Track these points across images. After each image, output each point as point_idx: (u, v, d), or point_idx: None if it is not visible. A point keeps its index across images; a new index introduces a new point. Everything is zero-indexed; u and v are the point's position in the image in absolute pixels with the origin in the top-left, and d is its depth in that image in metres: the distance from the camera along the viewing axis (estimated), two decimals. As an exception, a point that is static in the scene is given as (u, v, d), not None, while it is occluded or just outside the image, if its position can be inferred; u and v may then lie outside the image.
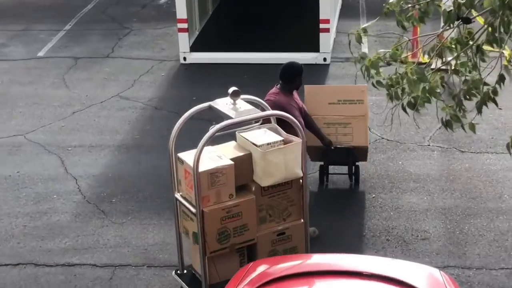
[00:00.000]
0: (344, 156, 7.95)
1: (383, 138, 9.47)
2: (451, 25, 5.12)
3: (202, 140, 6.06)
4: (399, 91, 5.20)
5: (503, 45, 5.00)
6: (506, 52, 5.34)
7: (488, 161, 8.91)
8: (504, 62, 5.23)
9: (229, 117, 6.28)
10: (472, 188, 8.38)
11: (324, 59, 11.82)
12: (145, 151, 9.45)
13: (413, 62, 5.28)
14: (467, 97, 5.20)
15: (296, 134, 6.38)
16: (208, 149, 6.27)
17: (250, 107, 6.41)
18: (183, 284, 6.63)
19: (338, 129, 7.76)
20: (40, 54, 12.90)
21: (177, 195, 6.50)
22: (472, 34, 5.27)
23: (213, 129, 6.17)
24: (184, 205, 6.35)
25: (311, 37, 11.91)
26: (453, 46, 5.27)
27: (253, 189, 6.32)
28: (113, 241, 7.69)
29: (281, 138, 6.33)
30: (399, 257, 7.17)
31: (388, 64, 5.36)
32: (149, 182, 8.75)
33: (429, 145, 9.30)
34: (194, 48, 12.32)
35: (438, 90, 5.10)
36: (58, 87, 11.49)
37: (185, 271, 6.72)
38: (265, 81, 10.93)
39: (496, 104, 5.18)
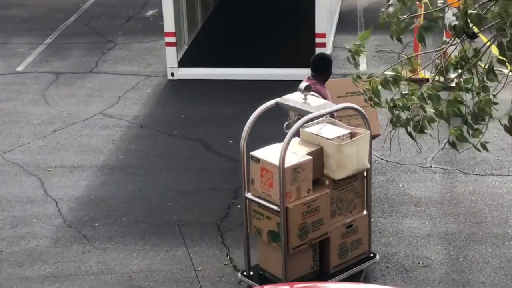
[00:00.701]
0: None
1: (382, 159, 9.47)
2: (456, 40, 5.13)
3: (287, 136, 6.44)
4: (402, 114, 5.20)
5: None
6: None
7: (493, 184, 8.91)
8: None
9: (307, 112, 6.65)
10: (477, 212, 8.37)
11: (320, 75, 11.81)
12: (130, 172, 9.42)
13: (416, 82, 5.28)
14: (478, 118, 5.19)
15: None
16: (278, 146, 6.69)
17: (323, 100, 6.88)
18: (252, 283, 6.86)
19: (351, 121, 7.95)
20: (19, 69, 12.88)
21: (248, 195, 6.85)
22: (478, 51, 5.27)
23: (296, 124, 6.55)
24: (259, 204, 6.72)
25: (306, 52, 11.90)
26: (458, 63, 5.28)
27: (327, 183, 6.76)
28: (95, 267, 7.64)
29: (348, 131, 6.83)
30: (399, 286, 7.14)
31: (391, 83, 5.36)
32: (134, 205, 8.71)
33: (431, 166, 9.30)
34: (182, 63, 12.33)
35: (454, 109, 5.11)
36: (38, 104, 11.46)
37: (251, 273, 7.05)
38: (257, 98, 10.93)
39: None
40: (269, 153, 6.69)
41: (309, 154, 6.70)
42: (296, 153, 6.68)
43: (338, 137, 6.73)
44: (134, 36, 14.34)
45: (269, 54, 12.74)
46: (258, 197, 6.73)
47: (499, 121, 5.12)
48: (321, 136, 6.79)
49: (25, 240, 8.12)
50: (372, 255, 7.33)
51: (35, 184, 9.20)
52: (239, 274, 7.15)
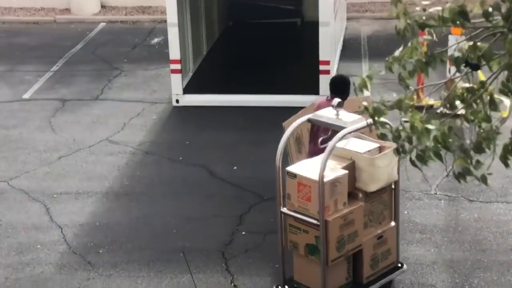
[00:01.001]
0: None
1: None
2: (460, 72, 5.13)
3: (326, 151, 6.59)
4: (406, 144, 5.18)
5: None
6: None
7: (498, 211, 8.88)
8: None
9: (341, 127, 6.82)
10: (482, 239, 8.34)
11: (324, 103, 11.84)
12: (135, 199, 9.42)
13: (420, 109, 5.25)
14: (478, 149, 5.18)
15: None
16: (311, 161, 6.96)
17: (355, 116, 7.00)
18: None
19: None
20: (26, 96, 12.94)
21: (284, 210, 7.04)
22: (484, 83, 5.27)
23: (334, 139, 6.67)
24: (295, 218, 6.91)
25: (311, 79, 11.98)
26: (463, 95, 5.27)
27: (360, 195, 6.97)
28: (99, 294, 7.62)
29: (377, 145, 7.02)
30: (404, 313, 7.11)
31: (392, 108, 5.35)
32: (138, 231, 8.69)
33: (436, 193, 9.28)
34: (187, 90, 12.38)
35: (451, 140, 5.07)
36: (44, 130, 11.50)
37: (286, 287, 7.21)
38: (261, 125, 10.98)
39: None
40: (304, 168, 6.87)
41: (343, 168, 6.93)
42: (331, 167, 6.85)
43: (369, 151, 6.99)
44: (140, 63, 14.41)
45: (273, 81, 12.79)
46: (295, 211, 6.93)
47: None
48: (352, 151, 7.00)
49: (30, 266, 8.10)
50: (400, 265, 7.58)
51: (40, 211, 9.20)
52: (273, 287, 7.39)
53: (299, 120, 7.20)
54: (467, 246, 8.21)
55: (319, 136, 7.59)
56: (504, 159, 5.10)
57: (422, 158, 5.11)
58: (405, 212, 8.89)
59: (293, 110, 10.98)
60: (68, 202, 9.37)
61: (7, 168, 10.33)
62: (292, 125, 7.16)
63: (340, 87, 8.03)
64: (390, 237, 7.33)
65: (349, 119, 6.94)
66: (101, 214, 9.09)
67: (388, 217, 7.31)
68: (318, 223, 6.69)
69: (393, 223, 7.37)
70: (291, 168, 6.93)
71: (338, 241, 6.80)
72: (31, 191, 9.66)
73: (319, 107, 7.82)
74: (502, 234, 8.43)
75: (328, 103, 7.71)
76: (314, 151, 7.63)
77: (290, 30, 15.89)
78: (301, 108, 10.52)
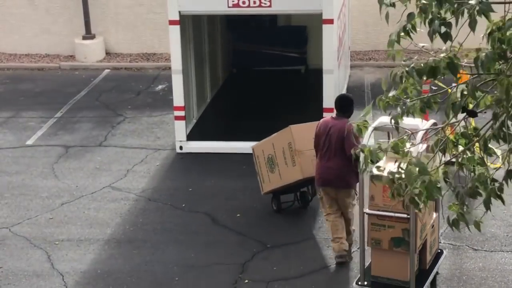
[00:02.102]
0: None
1: (390, 234, 9.40)
2: (456, 117, 5.15)
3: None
4: (401, 188, 5.16)
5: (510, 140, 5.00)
6: None
7: (503, 260, 8.82)
8: None
9: (414, 128, 7.00)
10: (487, 289, 8.27)
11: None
12: (137, 246, 9.38)
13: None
14: (472, 195, 5.17)
15: None
16: (387, 164, 7.18)
17: (411, 119, 7.27)
18: None
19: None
20: (29, 142, 12.98)
21: (367, 210, 7.67)
22: (478, 130, 5.28)
23: (418, 138, 6.96)
24: (379, 216, 7.62)
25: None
26: (458, 140, 5.28)
27: None
28: None
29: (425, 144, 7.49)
30: None
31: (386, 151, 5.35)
32: (140, 279, 8.64)
33: (440, 242, 9.22)
34: (191, 136, 12.41)
35: (439, 185, 5.04)
36: (47, 177, 11.51)
37: (366, 282, 7.78)
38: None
39: (503, 201, 5.17)
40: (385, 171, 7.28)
41: None
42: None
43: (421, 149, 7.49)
44: (144, 109, 14.47)
45: (277, 128, 12.75)
46: (379, 210, 7.63)
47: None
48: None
49: (30, 314, 8.03)
50: (439, 250, 8.37)
51: (42, 258, 9.16)
52: (354, 284, 7.83)
53: (374, 124, 7.64)
54: (472, 296, 8.14)
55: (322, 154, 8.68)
56: (487, 204, 5.11)
57: (416, 202, 5.09)
58: (409, 260, 8.82)
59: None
60: (69, 249, 9.33)
61: (9, 214, 10.32)
62: (373, 125, 7.57)
63: (345, 106, 8.76)
64: (436, 226, 8.20)
65: (410, 121, 7.14)
66: (102, 262, 9.05)
67: (432, 208, 8.02)
68: (408, 216, 7.42)
69: (435, 214, 8.13)
70: (375, 171, 7.23)
71: (420, 230, 7.66)
72: (33, 238, 9.63)
73: (322, 123, 8.80)
74: (507, 283, 8.36)
75: (334, 120, 8.70)
76: (320, 165, 8.69)
77: (294, 77, 15.98)
78: None
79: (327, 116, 11.73)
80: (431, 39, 4.93)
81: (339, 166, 8.51)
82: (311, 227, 9.68)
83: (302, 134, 9.51)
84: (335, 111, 8.82)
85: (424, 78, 5.14)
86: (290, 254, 9.06)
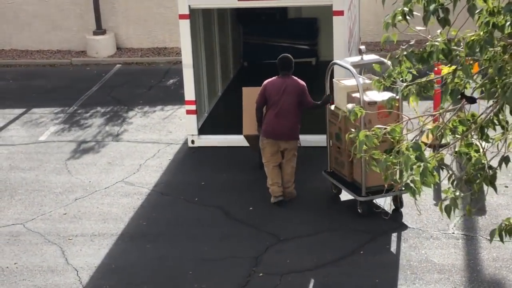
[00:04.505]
0: None
1: (404, 225, 9.39)
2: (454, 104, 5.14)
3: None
4: (397, 174, 5.12)
5: (507, 127, 4.99)
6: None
7: (517, 250, 8.79)
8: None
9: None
10: (501, 279, 8.24)
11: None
12: (151, 240, 9.40)
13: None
14: (467, 182, 5.14)
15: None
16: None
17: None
18: None
19: None
20: (42, 138, 13.03)
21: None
22: (476, 117, 5.26)
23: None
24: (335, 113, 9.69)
25: (323, 119, 11.96)
26: (456, 127, 5.25)
27: None
28: (115, 338, 7.56)
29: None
30: None
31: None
32: (154, 273, 8.66)
33: (453, 233, 9.21)
34: (202, 130, 12.41)
35: (435, 173, 4.99)
36: (60, 172, 11.54)
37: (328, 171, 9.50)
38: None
39: (495, 189, 5.15)
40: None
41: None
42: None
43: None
44: (155, 104, 14.49)
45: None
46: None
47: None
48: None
49: (45, 309, 8.07)
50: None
51: (56, 253, 9.19)
52: (322, 171, 9.75)
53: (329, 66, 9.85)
54: (486, 286, 8.11)
55: (269, 109, 9.90)
56: (478, 191, 5.09)
57: (412, 189, 5.04)
58: (423, 251, 8.81)
59: (308, 150, 11.01)
60: (83, 244, 9.36)
61: (23, 210, 10.36)
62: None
63: (288, 65, 9.97)
64: None
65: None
66: (116, 256, 9.08)
67: None
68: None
69: None
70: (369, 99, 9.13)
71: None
72: (47, 234, 9.66)
73: (271, 84, 9.95)
74: (521, 273, 8.34)
75: (282, 79, 9.91)
76: (276, 121, 9.81)
77: (305, 69, 15.92)
78: (314, 147, 10.86)
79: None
80: (425, 24, 4.92)
81: (293, 121, 9.91)
82: (324, 219, 9.67)
83: (253, 95, 10.33)
84: (279, 70, 9.98)
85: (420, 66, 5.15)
86: (303, 247, 9.06)
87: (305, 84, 10.00)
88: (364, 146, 5.10)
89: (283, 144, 9.96)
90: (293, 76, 10.02)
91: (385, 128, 5.22)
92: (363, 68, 10.51)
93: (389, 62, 8.71)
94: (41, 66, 17.65)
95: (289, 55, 10.17)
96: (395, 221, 9.48)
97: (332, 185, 10.22)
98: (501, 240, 5.11)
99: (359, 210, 9.61)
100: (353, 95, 9.56)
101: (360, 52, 9.83)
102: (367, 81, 9.62)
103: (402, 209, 9.65)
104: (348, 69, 9.69)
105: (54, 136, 13.08)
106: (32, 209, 10.38)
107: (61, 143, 12.76)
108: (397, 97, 7.77)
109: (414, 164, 4.84)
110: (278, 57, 10.15)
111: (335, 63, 10.02)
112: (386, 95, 8.92)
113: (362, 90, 9.24)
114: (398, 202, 9.63)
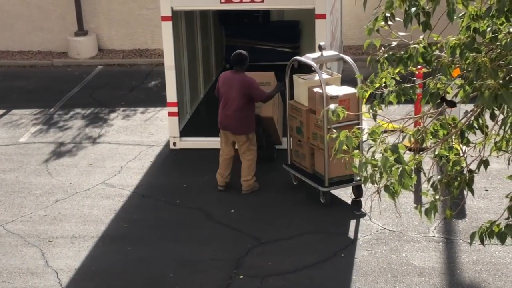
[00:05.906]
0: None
1: (385, 228, 9.42)
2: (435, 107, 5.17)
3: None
4: (377, 176, 5.12)
5: (486, 131, 5.02)
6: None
7: (497, 254, 8.84)
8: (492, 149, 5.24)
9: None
10: (481, 282, 8.29)
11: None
12: (132, 242, 9.37)
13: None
14: (447, 185, 5.17)
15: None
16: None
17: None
18: None
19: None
20: (22, 139, 12.95)
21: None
22: (457, 121, 5.29)
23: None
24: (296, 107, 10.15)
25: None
26: (437, 130, 5.27)
27: None
28: None
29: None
30: None
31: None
32: (135, 275, 8.64)
33: (434, 236, 9.25)
34: (184, 132, 12.40)
35: (413, 175, 4.99)
36: (40, 174, 11.48)
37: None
38: (259, 167, 10.96)
39: (472, 192, 5.18)
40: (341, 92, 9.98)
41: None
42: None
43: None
44: (137, 106, 14.45)
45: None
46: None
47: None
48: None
49: (25, 312, 8.02)
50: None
51: (36, 255, 9.14)
52: (283, 164, 10.31)
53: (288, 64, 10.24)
54: (466, 289, 8.16)
55: (220, 101, 10.35)
56: (457, 194, 5.12)
57: (390, 191, 5.03)
58: (404, 254, 8.84)
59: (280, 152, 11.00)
60: (64, 246, 9.32)
61: (2, 212, 10.30)
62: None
63: (241, 60, 10.26)
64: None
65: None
66: (97, 258, 9.04)
67: None
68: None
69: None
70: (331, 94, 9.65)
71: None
72: (27, 235, 9.61)
73: (222, 77, 10.34)
74: (501, 276, 8.39)
75: (232, 74, 10.25)
76: (222, 113, 10.29)
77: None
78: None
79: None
80: (406, 26, 4.94)
81: (239, 115, 10.17)
82: (305, 222, 9.69)
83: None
84: (233, 66, 10.29)
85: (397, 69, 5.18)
86: (284, 249, 9.07)
87: (253, 79, 10.30)
88: (344, 146, 5.11)
89: (231, 136, 10.38)
90: (244, 73, 10.32)
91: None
92: (323, 64, 10.87)
93: (351, 61, 9.90)
94: (22, 67, 17.57)
95: (242, 51, 10.44)
96: (376, 224, 9.52)
97: (294, 177, 10.56)
98: (482, 243, 5.14)
99: (321, 200, 10.00)
100: (314, 90, 9.91)
101: (320, 48, 10.14)
102: (327, 76, 10.27)
103: (381, 212, 9.69)
104: (310, 64, 10.01)
105: (34, 138, 13.02)
106: (12, 211, 10.31)
107: (41, 144, 12.70)
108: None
109: (392, 166, 4.85)
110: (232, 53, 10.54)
111: (296, 59, 10.33)
112: (348, 90, 9.92)
113: (324, 85, 9.64)
114: (358, 192, 9.94)
